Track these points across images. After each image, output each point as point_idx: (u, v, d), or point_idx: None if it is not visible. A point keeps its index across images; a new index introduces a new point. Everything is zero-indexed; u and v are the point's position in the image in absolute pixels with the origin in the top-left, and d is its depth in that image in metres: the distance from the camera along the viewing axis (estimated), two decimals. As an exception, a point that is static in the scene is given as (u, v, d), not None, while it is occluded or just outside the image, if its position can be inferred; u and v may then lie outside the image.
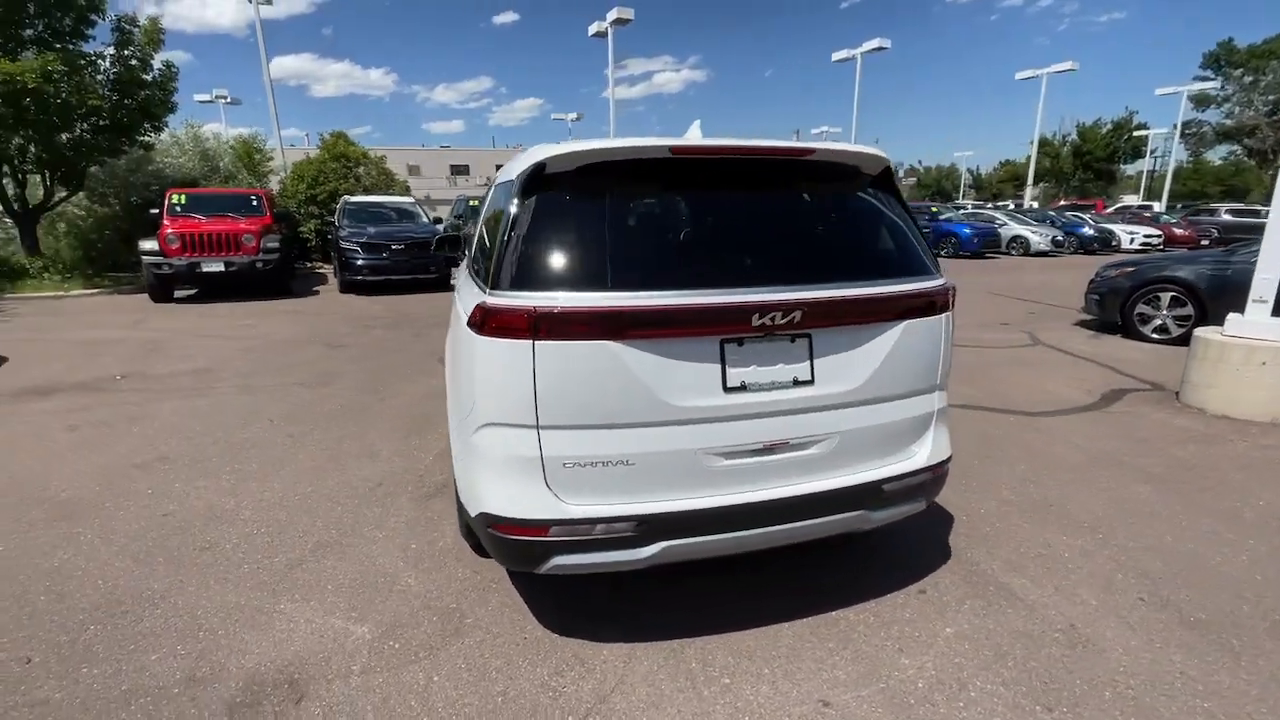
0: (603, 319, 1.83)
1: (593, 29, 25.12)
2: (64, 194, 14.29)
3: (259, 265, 10.81)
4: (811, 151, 2.07)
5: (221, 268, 10.63)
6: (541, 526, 1.92)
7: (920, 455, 2.25)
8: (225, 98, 28.77)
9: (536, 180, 1.97)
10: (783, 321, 1.91)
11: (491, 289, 1.90)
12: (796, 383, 2.00)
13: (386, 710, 1.93)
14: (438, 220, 14.23)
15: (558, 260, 1.91)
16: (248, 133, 20.62)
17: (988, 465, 3.72)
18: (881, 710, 1.91)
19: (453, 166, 50.02)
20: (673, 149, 1.95)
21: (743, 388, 1.95)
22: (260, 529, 3.03)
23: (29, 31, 12.24)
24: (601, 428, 1.89)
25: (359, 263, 11.54)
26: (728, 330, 1.90)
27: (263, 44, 20.26)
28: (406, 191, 18.44)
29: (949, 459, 2.35)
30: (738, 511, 1.99)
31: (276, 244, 11.17)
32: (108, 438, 4.30)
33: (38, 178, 13.94)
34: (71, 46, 12.55)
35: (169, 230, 10.60)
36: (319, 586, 2.56)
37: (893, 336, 2.11)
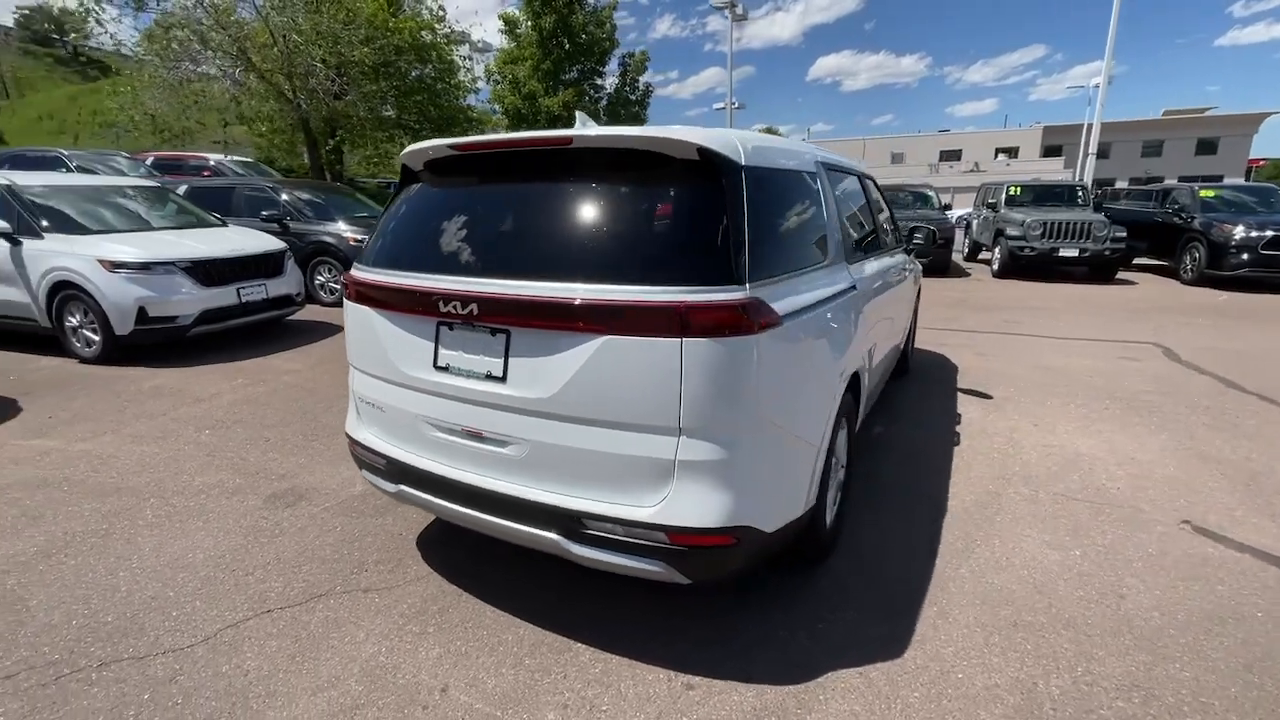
0: (359, 289, 2.30)
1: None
2: None
3: None
4: (569, 140, 1.97)
5: None
6: (353, 442, 2.49)
7: (649, 508, 1.84)
8: (735, 103, 26.92)
9: (403, 175, 2.48)
10: (478, 313, 1.96)
11: (357, 264, 2.40)
12: (489, 377, 1.99)
13: None
14: None
15: (371, 242, 2.44)
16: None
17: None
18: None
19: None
20: (451, 146, 2.20)
21: (448, 369, 2.08)
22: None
23: (568, 76, 19.54)
24: (372, 376, 2.35)
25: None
26: (440, 315, 2.04)
27: (730, 51, 22.87)
28: None
29: (716, 530, 1.83)
30: (447, 484, 2.13)
31: None
32: None
33: None
34: (593, 81, 20.18)
35: None
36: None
37: (591, 350, 1.81)
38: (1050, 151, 48.43)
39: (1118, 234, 10.68)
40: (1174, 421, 4.26)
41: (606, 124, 18.45)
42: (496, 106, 19.34)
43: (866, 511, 3.04)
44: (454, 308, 1.99)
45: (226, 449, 3.81)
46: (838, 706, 1.88)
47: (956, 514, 3.05)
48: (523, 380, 1.93)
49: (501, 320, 1.94)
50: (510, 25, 18.69)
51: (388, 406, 2.29)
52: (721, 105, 24.70)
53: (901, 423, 4.27)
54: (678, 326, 1.74)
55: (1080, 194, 12.57)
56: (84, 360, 5.64)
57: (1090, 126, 17.96)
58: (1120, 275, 11.53)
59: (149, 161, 13.46)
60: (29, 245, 5.60)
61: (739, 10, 20.40)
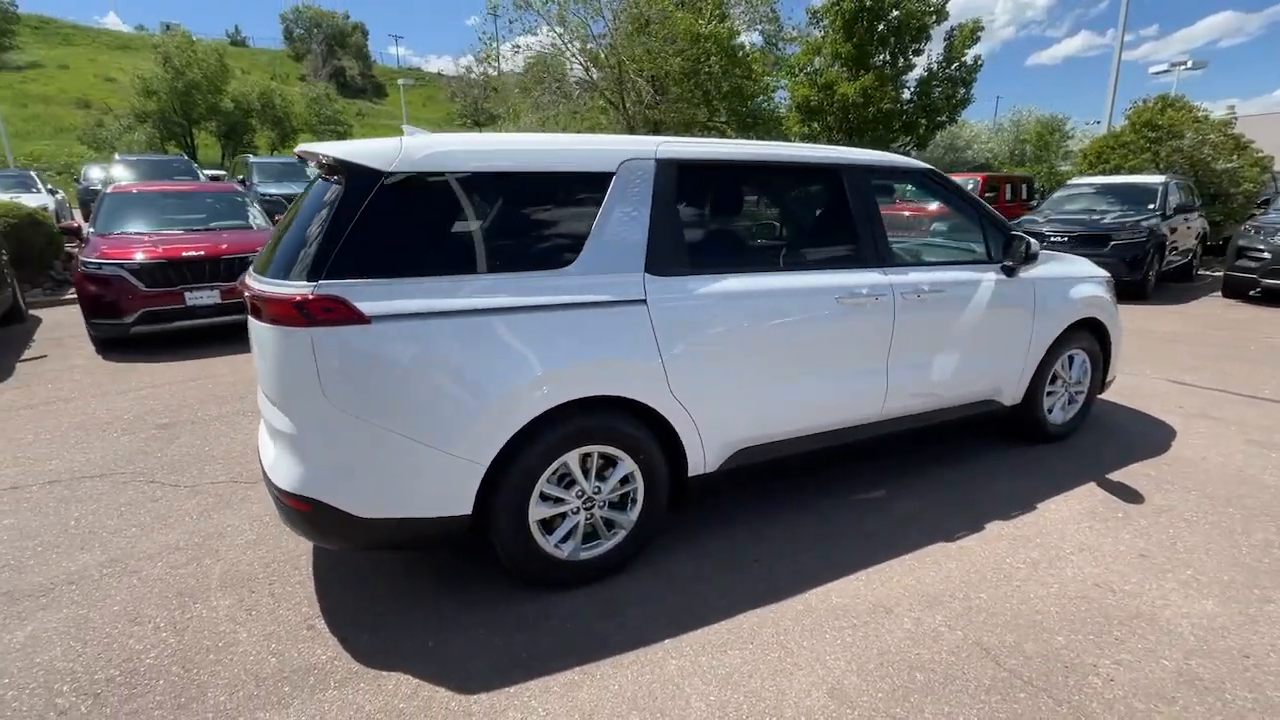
0: None
1: None
2: None
3: None
4: (298, 154, 2.36)
5: None
6: None
7: (268, 464, 2.21)
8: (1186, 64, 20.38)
9: None
10: (250, 310, 2.18)
11: None
12: None
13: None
14: None
15: None
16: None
17: None
18: None
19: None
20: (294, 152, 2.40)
21: None
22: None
23: (877, 59, 17.23)
24: None
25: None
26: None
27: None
28: None
29: (292, 494, 2.06)
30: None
31: None
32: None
33: None
34: (908, 59, 17.55)
35: None
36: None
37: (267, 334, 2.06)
38: None
39: None
40: None
41: (913, 102, 15.80)
42: (787, 98, 18.68)
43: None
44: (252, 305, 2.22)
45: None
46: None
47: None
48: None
49: (252, 314, 2.20)
50: (816, 17, 17.94)
51: None
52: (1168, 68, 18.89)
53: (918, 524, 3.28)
54: (256, 312, 2.06)
55: None
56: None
57: None
58: None
59: None
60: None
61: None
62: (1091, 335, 3.81)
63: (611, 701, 1.94)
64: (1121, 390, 4.85)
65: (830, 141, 17.85)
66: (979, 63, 17.74)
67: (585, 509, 2.43)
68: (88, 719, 1.88)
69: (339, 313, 1.96)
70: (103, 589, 2.50)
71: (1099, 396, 4.19)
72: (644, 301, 2.36)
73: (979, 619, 2.30)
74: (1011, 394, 3.55)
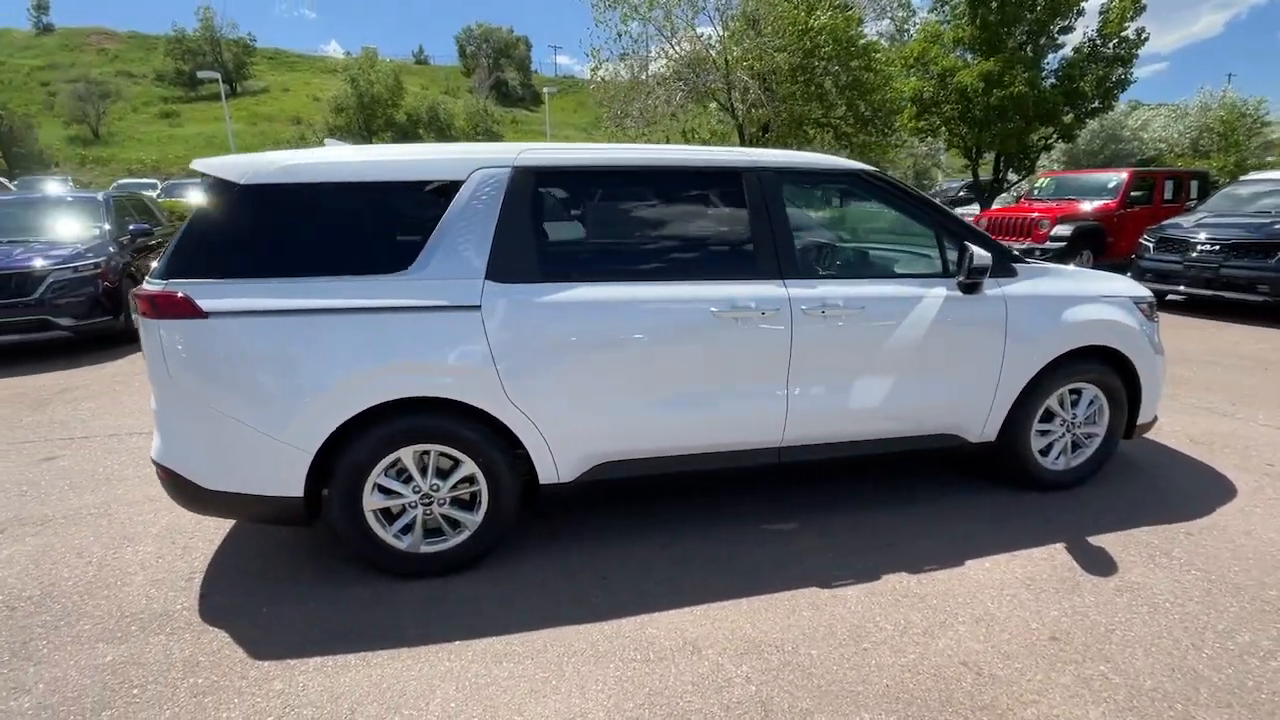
0: None
1: None
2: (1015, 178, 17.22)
3: (1038, 254, 8.64)
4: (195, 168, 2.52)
5: None
6: None
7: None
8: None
9: None
10: None
11: None
12: None
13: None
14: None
15: None
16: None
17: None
18: None
19: None
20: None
21: None
22: None
23: (1012, 39, 15.07)
24: None
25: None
26: None
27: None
28: None
29: (155, 462, 2.43)
30: None
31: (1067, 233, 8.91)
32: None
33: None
34: (1044, 41, 15.27)
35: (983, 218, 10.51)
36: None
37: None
38: None
39: None
40: None
41: (1059, 87, 13.68)
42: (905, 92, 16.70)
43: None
44: None
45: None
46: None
47: None
48: None
49: None
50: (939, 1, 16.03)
51: None
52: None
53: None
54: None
55: None
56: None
57: None
58: None
59: None
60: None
61: None
62: (1108, 367, 3.15)
63: (363, 689, 2.03)
64: (1202, 433, 3.95)
65: (954, 137, 15.97)
66: (1143, 37, 14.78)
67: (424, 505, 2.54)
68: (-6, 625, 2.36)
69: (181, 307, 2.25)
70: (80, 526, 3.06)
71: (1143, 437, 3.45)
72: (478, 308, 2.41)
73: (787, 677, 2.06)
74: (979, 430, 3.05)
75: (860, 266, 3.46)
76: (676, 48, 16.40)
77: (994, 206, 13.48)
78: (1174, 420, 4.19)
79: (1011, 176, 16.67)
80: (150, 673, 2.11)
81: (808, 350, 2.71)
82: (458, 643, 2.23)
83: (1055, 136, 16.19)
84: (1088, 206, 9.62)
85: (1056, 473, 3.24)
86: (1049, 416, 3.18)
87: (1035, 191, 11.12)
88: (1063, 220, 9.24)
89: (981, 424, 3.04)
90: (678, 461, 2.74)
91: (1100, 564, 2.64)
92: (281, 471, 2.37)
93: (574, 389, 2.53)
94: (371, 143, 38.19)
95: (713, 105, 17.04)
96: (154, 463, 2.44)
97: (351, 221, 2.47)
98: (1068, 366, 3.08)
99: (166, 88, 56.02)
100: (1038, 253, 9.15)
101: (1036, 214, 9.53)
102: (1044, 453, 3.22)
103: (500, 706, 1.96)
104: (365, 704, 1.97)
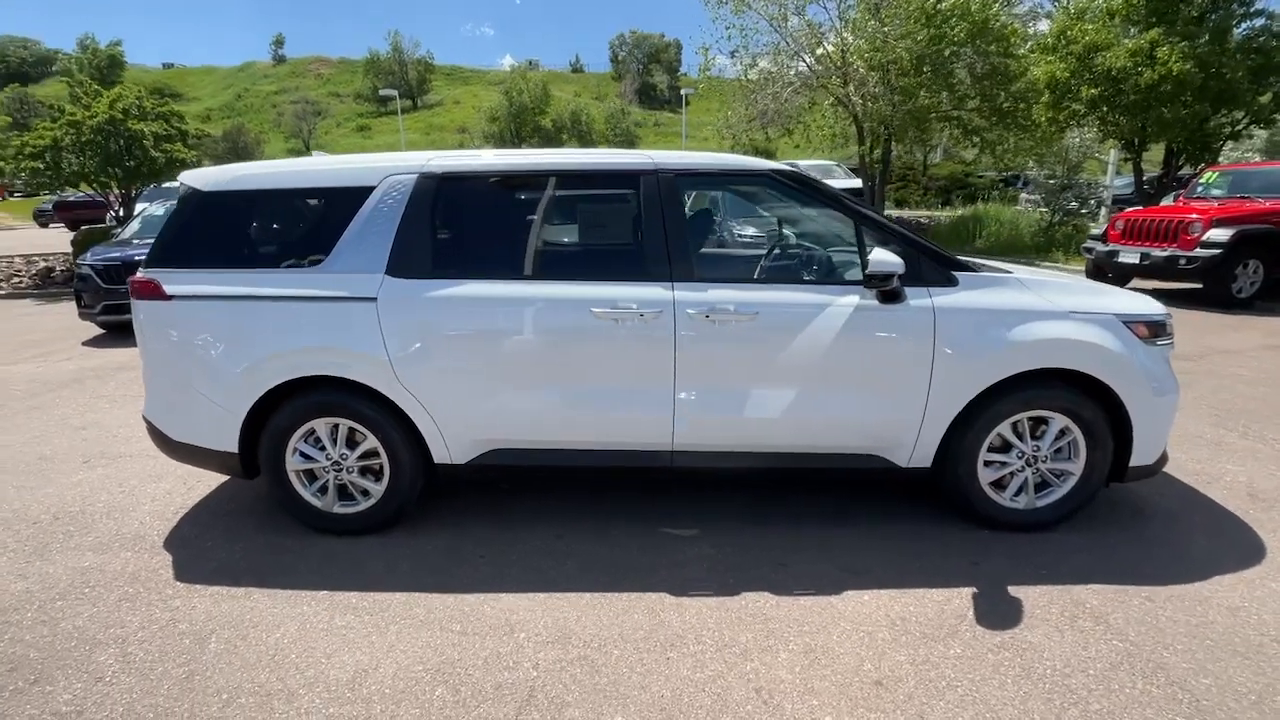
0: None
1: None
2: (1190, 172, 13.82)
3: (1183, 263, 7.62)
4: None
5: (1136, 259, 8.26)
6: None
7: None
8: None
9: None
10: None
11: None
12: None
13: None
14: None
15: None
16: None
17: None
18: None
19: None
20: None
21: None
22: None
23: (1187, 9, 12.18)
24: None
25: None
26: None
27: None
28: None
29: (144, 417, 2.97)
30: None
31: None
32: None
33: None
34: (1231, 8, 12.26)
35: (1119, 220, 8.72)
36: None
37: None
38: None
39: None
40: None
41: (1250, 62, 11.02)
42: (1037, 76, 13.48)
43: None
44: None
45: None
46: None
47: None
48: None
49: None
50: None
51: None
52: None
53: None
54: None
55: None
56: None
57: None
58: None
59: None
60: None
61: None
62: (1082, 395, 2.70)
63: (232, 616, 2.40)
64: (1254, 484, 3.21)
65: (1107, 127, 13.42)
66: None
67: (335, 471, 2.89)
68: (10, 542, 3.08)
69: (153, 291, 2.79)
70: (136, 464, 3.85)
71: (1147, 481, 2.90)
72: (374, 299, 2.70)
73: (572, 671, 2.09)
74: (908, 455, 2.77)
75: (777, 271, 3.26)
76: (789, 41, 15.81)
77: (1160, 205, 11.09)
78: (1221, 465, 3.44)
79: (1188, 171, 13.79)
80: (104, 577, 2.66)
81: (694, 355, 2.67)
82: (324, 592, 2.54)
83: (1247, 121, 13.26)
84: (1265, 206, 7.77)
85: (1016, 511, 2.83)
86: (1005, 447, 2.79)
87: (1200, 188, 9.20)
88: (1220, 223, 7.52)
89: (910, 448, 2.76)
90: (571, 455, 2.83)
91: (999, 617, 2.30)
92: (222, 430, 2.84)
93: (460, 376, 2.73)
94: (520, 147, 41.94)
95: (826, 102, 16.16)
96: (143, 417, 3.04)
97: (286, 222, 2.89)
98: (1023, 391, 2.69)
99: (362, 105, 65.41)
100: (1183, 262, 7.63)
101: (1192, 215, 7.85)
102: (1000, 486, 2.84)
103: (315, 649, 2.22)
104: (224, 629, 2.34)
